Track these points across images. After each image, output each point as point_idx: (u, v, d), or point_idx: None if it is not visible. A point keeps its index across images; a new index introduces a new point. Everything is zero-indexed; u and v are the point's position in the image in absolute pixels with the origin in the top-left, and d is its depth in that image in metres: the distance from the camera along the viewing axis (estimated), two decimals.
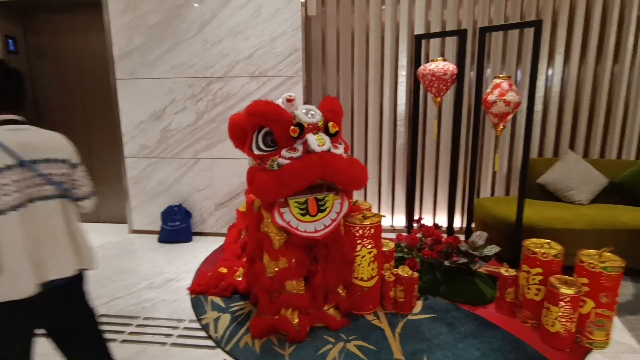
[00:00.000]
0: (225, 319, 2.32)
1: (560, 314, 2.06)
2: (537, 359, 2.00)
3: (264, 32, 3.27)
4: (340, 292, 2.28)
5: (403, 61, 3.67)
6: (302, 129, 1.98)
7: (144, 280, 2.79)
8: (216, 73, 3.40)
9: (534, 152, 3.79)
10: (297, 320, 2.10)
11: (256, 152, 2.09)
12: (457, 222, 3.93)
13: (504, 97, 2.45)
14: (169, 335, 2.15)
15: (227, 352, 1.95)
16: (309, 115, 2.06)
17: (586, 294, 2.09)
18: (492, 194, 3.89)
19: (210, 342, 2.10)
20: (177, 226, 3.58)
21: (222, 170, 3.57)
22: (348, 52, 3.69)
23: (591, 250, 2.21)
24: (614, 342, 2.13)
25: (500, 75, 2.47)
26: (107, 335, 2.17)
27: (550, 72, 3.62)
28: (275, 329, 2.11)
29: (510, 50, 3.62)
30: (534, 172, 3.56)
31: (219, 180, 3.61)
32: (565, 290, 2.05)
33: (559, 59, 3.57)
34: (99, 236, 3.54)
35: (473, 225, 3.10)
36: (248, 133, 2.21)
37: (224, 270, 2.80)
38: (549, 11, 3.51)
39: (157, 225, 3.68)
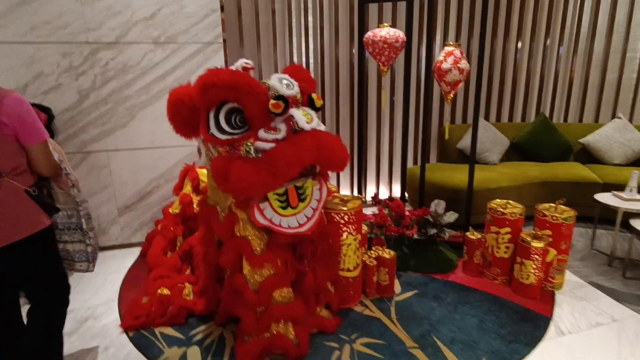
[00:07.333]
0: (194, 353, 1.80)
1: (534, 266, 2.23)
2: (523, 312, 2.11)
3: None
4: (330, 288, 2.02)
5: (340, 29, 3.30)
6: (287, 103, 1.59)
7: None
8: (104, 37, 2.52)
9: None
10: (293, 333, 1.76)
11: (220, 136, 1.61)
12: (384, 192, 3.99)
13: (459, 65, 2.42)
14: None
15: None
16: (285, 86, 1.67)
17: (549, 244, 2.24)
18: (415, 162, 4.05)
19: None
20: None
21: (124, 164, 2.74)
22: (269, 18, 3.20)
23: (547, 204, 2.43)
24: (565, 281, 2.41)
25: (452, 43, 2.42)
26: None
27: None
28: (270, 350, 1.73)
29: (441, 18, 3.62)
30: (452, 138, 3.78)
31: (121, 177, 2.78)
32: (536, 244, 2.22)
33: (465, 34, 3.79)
34: None
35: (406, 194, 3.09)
36: (201, 111, 1.69)
37: (165, 291, 2.20)
38: None
39: None
